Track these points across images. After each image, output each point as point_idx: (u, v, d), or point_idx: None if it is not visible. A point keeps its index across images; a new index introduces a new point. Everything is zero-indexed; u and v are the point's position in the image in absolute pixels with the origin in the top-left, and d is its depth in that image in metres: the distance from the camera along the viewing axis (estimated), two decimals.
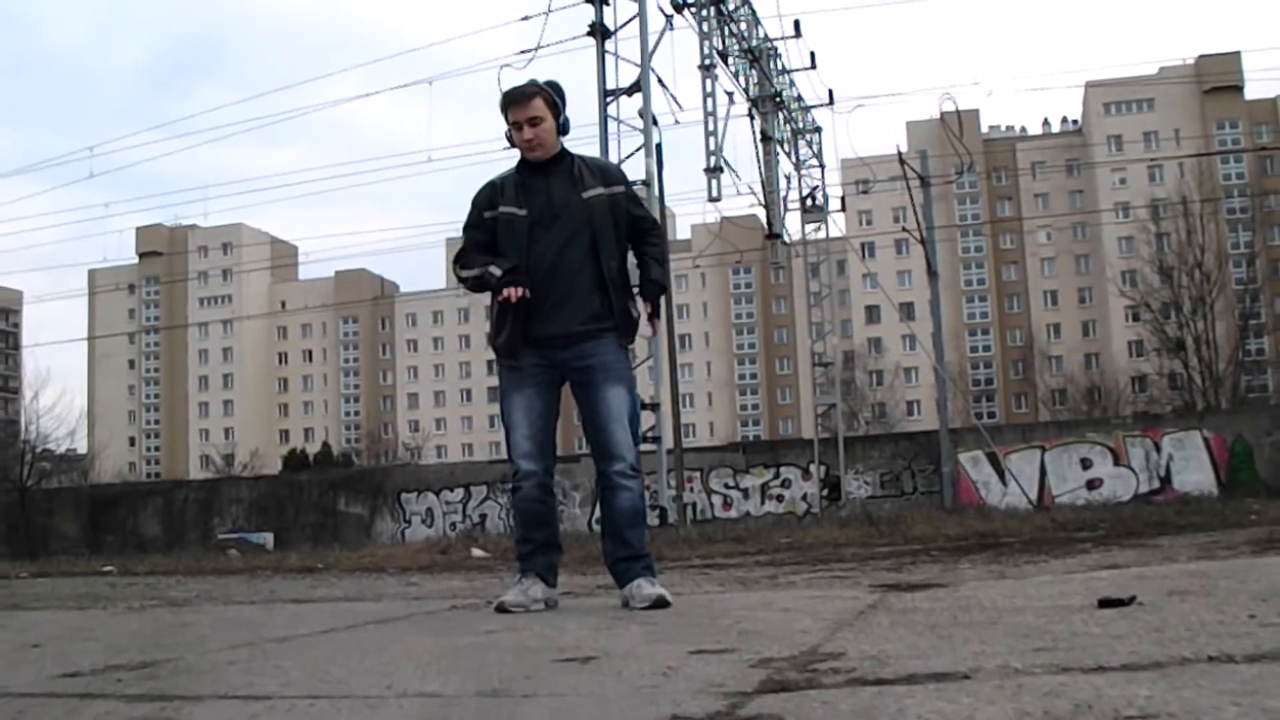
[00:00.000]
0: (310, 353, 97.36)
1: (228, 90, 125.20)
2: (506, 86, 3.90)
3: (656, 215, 13.01)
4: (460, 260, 3.90)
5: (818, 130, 21.73)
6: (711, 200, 15.51)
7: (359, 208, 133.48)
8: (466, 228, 3.91)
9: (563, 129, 3.85)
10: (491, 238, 3.82)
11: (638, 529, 3.82)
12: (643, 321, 3.85)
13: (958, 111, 20.05)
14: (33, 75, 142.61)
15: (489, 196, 3.86)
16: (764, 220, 20.00)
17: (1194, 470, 20.50)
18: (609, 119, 13.06)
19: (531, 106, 3.77)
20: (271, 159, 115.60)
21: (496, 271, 3.72)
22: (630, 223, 3.86)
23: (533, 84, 3.86)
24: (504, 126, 3.89)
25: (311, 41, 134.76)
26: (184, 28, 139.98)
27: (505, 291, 3.68)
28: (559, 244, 3.73)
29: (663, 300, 4.04)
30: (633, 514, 3.80)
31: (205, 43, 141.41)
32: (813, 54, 20.08)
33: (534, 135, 3.76)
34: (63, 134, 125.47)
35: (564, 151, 3.87)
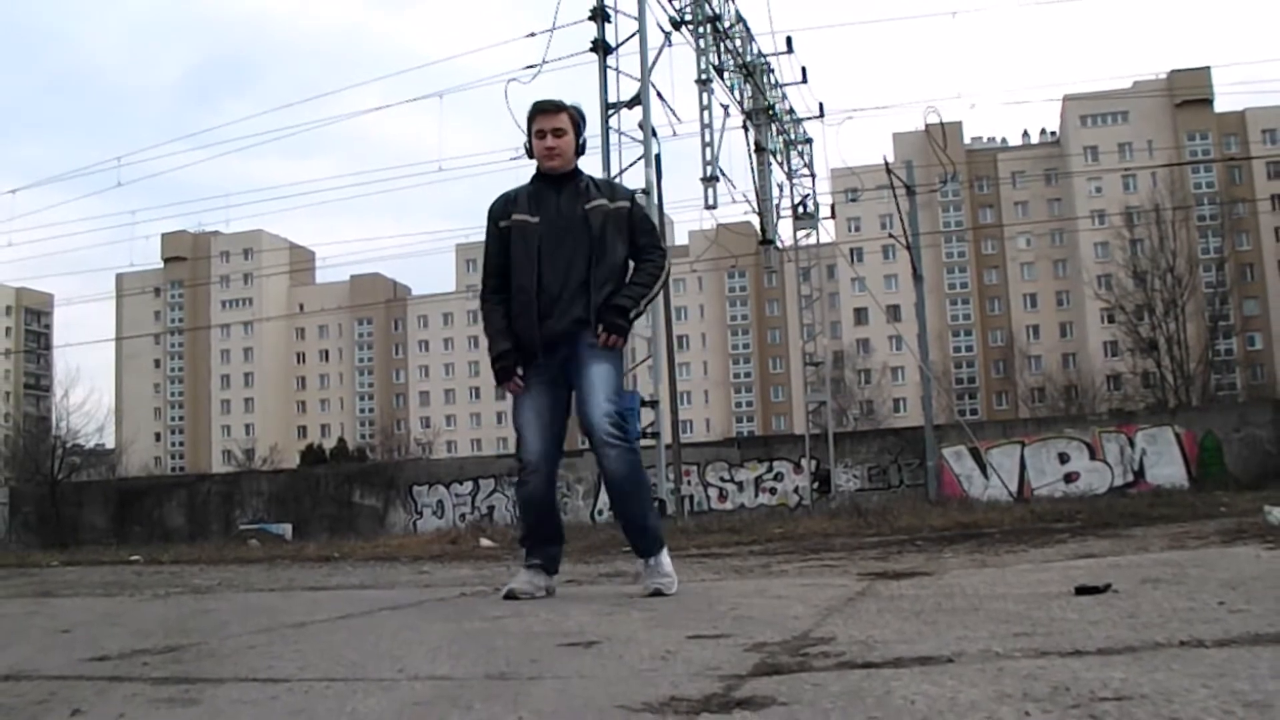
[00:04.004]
0: (327, 353, 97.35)
1: (253, 104, 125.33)
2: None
3: (656, 222, 13.02)
4: (482, 306, 3.91)
5: (809, 141, 21.70)
6: (708, 208, 15.46)
7: (373, 215, 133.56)
8: (487, 242, 3.89)
9: (580, 149, 3.88)
10: (506, 257, 3.81)
11: (630, 499, 3.78)
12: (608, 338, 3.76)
13: (942, 123, 20.05)
14: (72, 90, 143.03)
15: (503, 207, 3.86)
16: (758, 227, 19.95)
17: (1166, 464, 20.47)
18: (610, 131, 13.05)
19: (558, 118, 3.80)
20: (291, 169, 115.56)
21: (493, 353, 3.85)
22: (629, 235, 3.82)
23: (561, 101, 3.88)
24: (523, 138, 3.90)
25: (332, 58, 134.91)
26: (216, 46, 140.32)
27: (509, 387, 3.83)
28: (566, 253, 3.72)
29: (642, 314, 3.98)
30: (623, 480, 3.73)
31: (235, 60, 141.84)
32: (804, 69, 20.02)
33: (556, 145, 3.77)
34: (99, 145, 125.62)
35: (577, 170, 3.89)
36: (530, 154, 3.86)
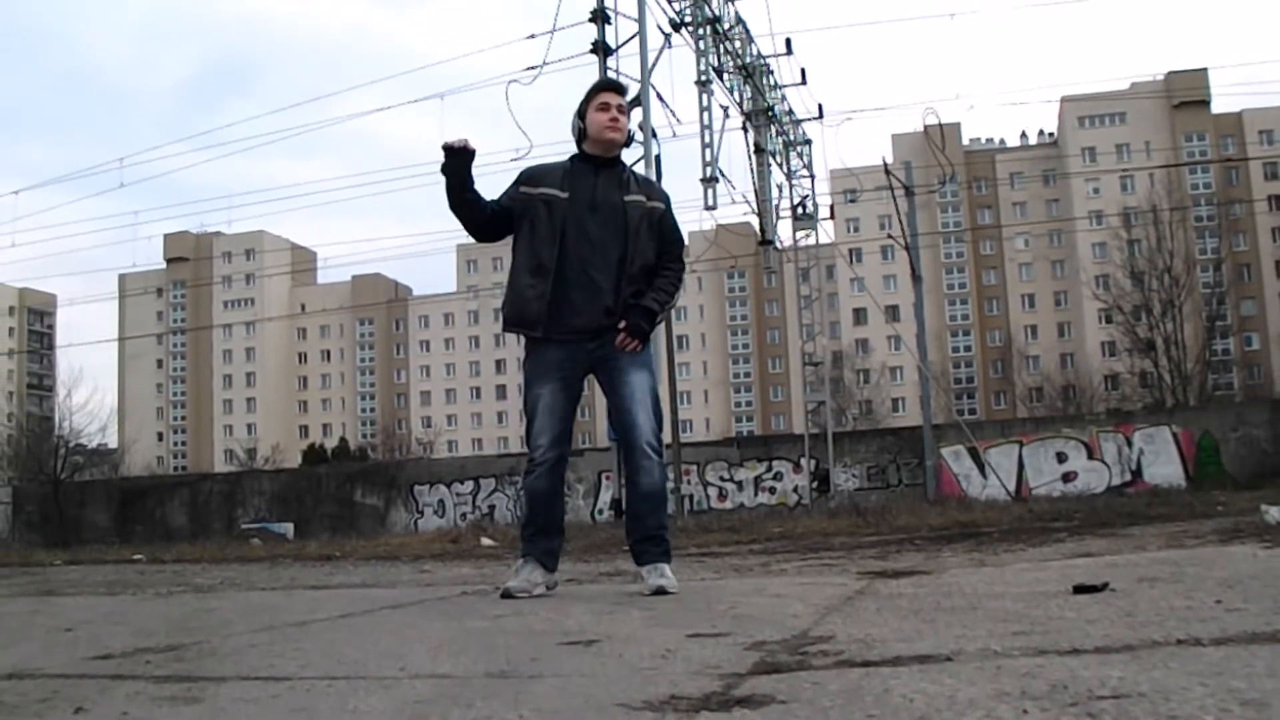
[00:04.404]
0: (328, 353, 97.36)
1: (256, 105, 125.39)
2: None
3: None
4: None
5: (808, 142, 21.68)
6: (708, 209, 15.46)
7: (375, 216, 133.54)
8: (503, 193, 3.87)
9: (628, 140, 3.91)
10: (504, 209, 3.79)
11: (656, 511, 3.81)
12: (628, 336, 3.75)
13: (940, 125, 20.03)
14: (75, 91, 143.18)
15: (532, 175, 3.83)
16: (757, 227, 19.95)
17: (1163, 464, 20.46)
18: None
19: (624, 100, 3.89)
20: (293, 170, 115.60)
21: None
22: (658, 240, 3.81)
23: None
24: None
25: (334, 59, 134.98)
26: (218, 47, 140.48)
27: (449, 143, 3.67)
28: (595, 236, 3.69)
29: (660, 323, 3.97)
30: (650, 495, 3.76)
31: (237, 61, 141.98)
32: (803, 70, 20.00)
33: (621, 119, 3.80)
34: (101, 146, 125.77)
35: (620, 158, 3.89)
36: (582, 134, 3.82)
